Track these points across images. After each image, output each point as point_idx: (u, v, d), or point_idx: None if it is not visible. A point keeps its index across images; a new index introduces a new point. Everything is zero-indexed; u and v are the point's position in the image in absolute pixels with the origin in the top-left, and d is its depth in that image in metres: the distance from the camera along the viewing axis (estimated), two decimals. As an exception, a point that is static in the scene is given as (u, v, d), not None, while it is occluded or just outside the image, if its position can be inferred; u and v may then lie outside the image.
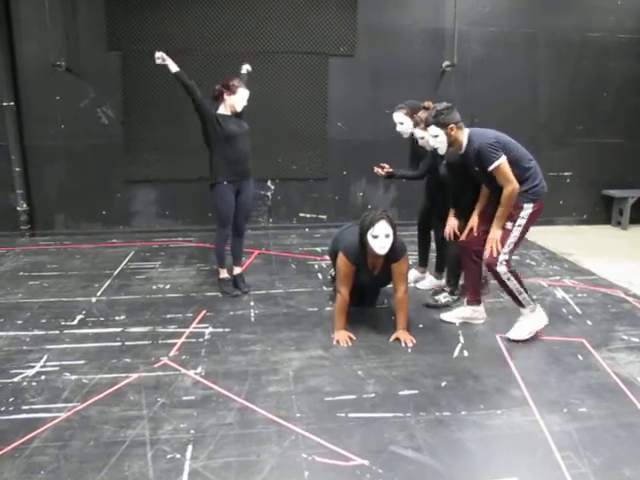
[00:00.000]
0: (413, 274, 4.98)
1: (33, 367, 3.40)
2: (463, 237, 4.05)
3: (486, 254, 3.77)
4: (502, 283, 3.78)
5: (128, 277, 5.16)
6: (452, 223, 4.30)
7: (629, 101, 7.42)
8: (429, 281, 4.94)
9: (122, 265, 5.52)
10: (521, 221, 3.69)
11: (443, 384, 3.25)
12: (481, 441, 2.71)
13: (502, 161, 3.53)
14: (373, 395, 3.12)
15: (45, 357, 3.54)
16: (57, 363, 3.45)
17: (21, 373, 3.32)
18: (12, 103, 6.27)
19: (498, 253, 3.70)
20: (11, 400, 3.02)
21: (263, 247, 6.29)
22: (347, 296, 3.82)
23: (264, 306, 4.47)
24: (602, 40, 7.23)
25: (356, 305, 4.14)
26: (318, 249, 6.12)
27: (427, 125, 3.72)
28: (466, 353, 3.66)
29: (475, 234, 3.96)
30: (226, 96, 4.46)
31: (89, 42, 6.37)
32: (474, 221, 3.99)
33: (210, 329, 4.01)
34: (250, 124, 6.73)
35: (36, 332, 3.93)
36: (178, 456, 2.57)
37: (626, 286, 4.97)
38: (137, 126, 6.53)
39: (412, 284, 4.82)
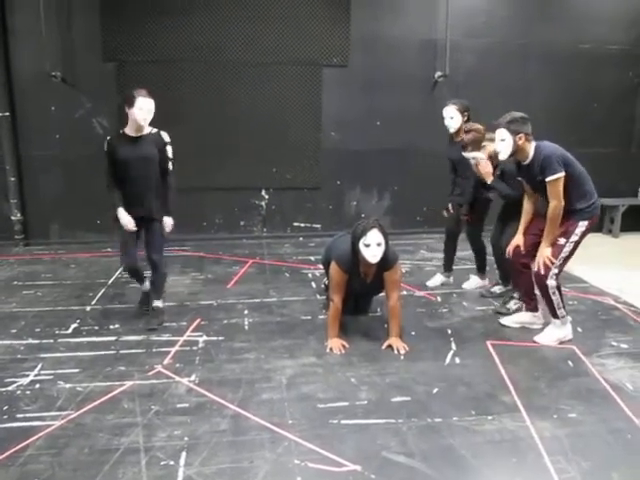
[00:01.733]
0: (476, 282, 5.18)
1: (27, 375, 3.42)
2: (510, 253, 4.12)
3: (535, 269, 3.86)
4: (547, 295, 3.87)
5: (122, 286, 5.18)
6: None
7: (619, 111, 7.53)
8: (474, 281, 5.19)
9: (116, 274, 5.53)
10: (574, 237, 3.78)
11: (435, 391, 3.28)
12: (472, 447, 2.74)
13: (560, 176, 3.63)
14: (366, 402, 3.15)
15: (39, 366, 3.55)
16: (51, 372, 3.47)
17: (15, 382, 3.34)
18: (7, 113, 6.30)
19: (548, 268, 3.78)
20: (5, 408, 3.04)
21: (257, 256, 6.32)
22: (340, 304, 3.85)
23: (258, 314, 4.50)
24: (593, 51, 7.33)
25: (350, 313, 4.19)
26: (312, 258, 6.16)
27: (498, 127, 3.76)
28: (458, 360, 3.69)
29: (523, 252, 4.04)
30: (127, 110, 3.89)
31: (84, 53, 6.42)
32: (519, 239, 4.07)
33: (204, 337, 4.03)
34: (245, 134, 6.85)
35: (30, 341, 3.95)
36: (172, 463, 2.59)
37: (616, 293, 5.02)
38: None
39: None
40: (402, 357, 3.72)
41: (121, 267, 4.23)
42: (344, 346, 3.83)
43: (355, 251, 3.74)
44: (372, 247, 3.64)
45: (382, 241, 3.67)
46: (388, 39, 6.86)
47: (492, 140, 4.28)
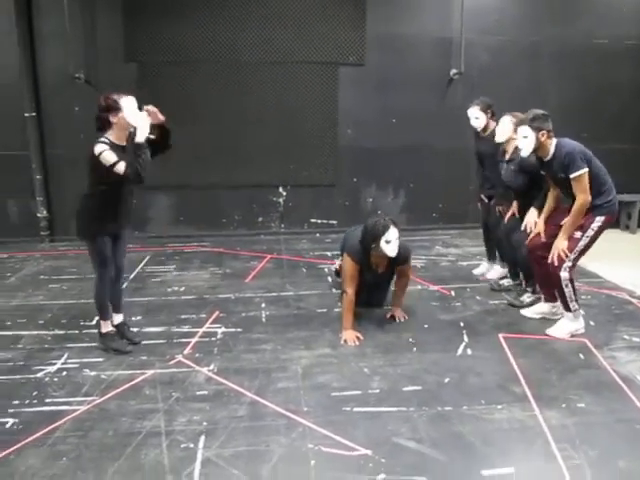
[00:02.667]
0: (499, 271, 5.30)
1: (55, 364, 3.58)
2: (528, 241, 4.21)
3: (550, 260, 3.92)
4: (559, 288, 3.95)
5: (144, 280, 5.34)
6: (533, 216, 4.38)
7: (634, 107, 7.50)
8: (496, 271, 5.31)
9: (138, 269, 5.70)
10: (590, 232, 3.86)
11: (446, 380, 3.37)
12: (481, 434, 2.82)
13: (585, 171, 3.72)
14: (378, 391, 3.24)
15: (66, 355, 3.71)
16: (77, 360, 3.62)
17: (43, 369, 3.50)
18: (34, 114, 6.52)
19: (562, 260, 3.86)
20: (34, 394, 3.20)
21: (275, 252, 6.44)
22: (353, 296, 3.98)
23: (275, 308, 4.62)
24: (608, 47, 7.33)
25: (363, 305, 4.30)
26: (328, 253, 6.26)
27: (519, 125, 3.87)
28: (469, 352, 3.77)
29: (543, 240, 4.11)
30: (114, 119, 3.43)
31: (107, 54, 6.61)
32: (541, 227, 4.15)
33: (223, 329, 4.16)
34: (262, 132, 6.98)
35: (57, 331, 4.12)
36: (192, 445, 2.72)
37: (631, 288, 5.04)
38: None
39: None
40: (415, 349, 3.81)
41: (101, 284, 3.71)
42: (358, 338, 3.93)
43: (365, 245, 3.90)
44: (392, 243, 3.83)
45: (398, 235, 3.84)
46: (404, 37, 6.94)
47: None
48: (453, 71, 6.99)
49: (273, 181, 7.14)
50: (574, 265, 3.92)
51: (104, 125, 3.47)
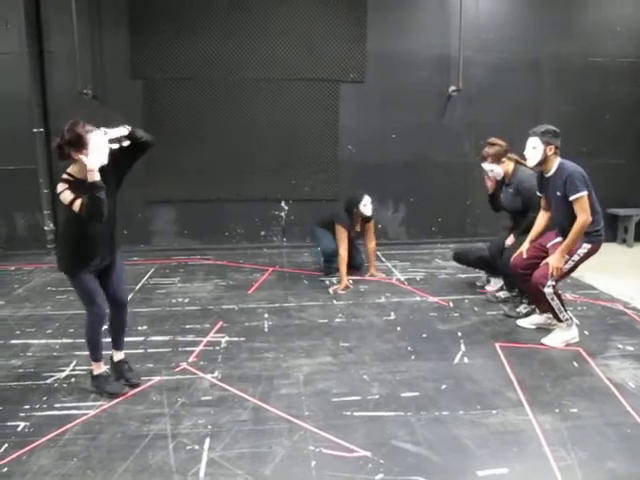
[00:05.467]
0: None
1: (63, 370, 3.69)
2: (512, 259, 4.35)
3: (536, 274, 4.03)
4: (545, 302, 4.07)
5: (149, 292, 5.46)
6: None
7: (631, 123, 7.64)
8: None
9: (143, 281, 5.82)
10: (576, 257, 4.00)
11: (443, 387, 3.47)
12: (476, 437, 2.92)
13: (585, 194, 3.85)
14: (377, 396, 3.35)
15: (74, 362, 3.83)
16: (85, 367, 3.70)
17: (52, 376, 3.62)
18: (42, 129, 6.70)
19: (547, 278, 3.97)
20: (44, 399, 3.31)
21: (277, 264, 6.57)
22: (346, 255, 5.43)
23: (277, 318, 4.73)
24: (603, 64, 7.49)
25: (353, 268, 5.82)
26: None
27: (531, 136, 3.99)
28: (466, 360, 3.87)
29: (524, 258, 4.25)
30: (76, 156, 3.07)
31: (114, 71, 6.81)
32: (525, 247, 4.28)
33: (226, 338, 4.27)
34: (265, 148, 7.15)
35: (65, 340, 4.23)
36: (197, 447, 2.82)
37: (626, 300, 5.14)
38: (157, 150, 6.85)
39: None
40: (413, 357, 3.91)
41: (92, 323, 3.39)
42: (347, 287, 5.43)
43: (350, 212, 5.54)
44: (367, 205, 5.49)
45: (371, 200, 5.51)
46: (403, 55, 7.12)
47: (510, 159, 4.60)
48: (452, 88, 7.15)
49: (275, 195, 7.29)
50: (556, 283, 4.04)
51: (64, 157, 3.13)
